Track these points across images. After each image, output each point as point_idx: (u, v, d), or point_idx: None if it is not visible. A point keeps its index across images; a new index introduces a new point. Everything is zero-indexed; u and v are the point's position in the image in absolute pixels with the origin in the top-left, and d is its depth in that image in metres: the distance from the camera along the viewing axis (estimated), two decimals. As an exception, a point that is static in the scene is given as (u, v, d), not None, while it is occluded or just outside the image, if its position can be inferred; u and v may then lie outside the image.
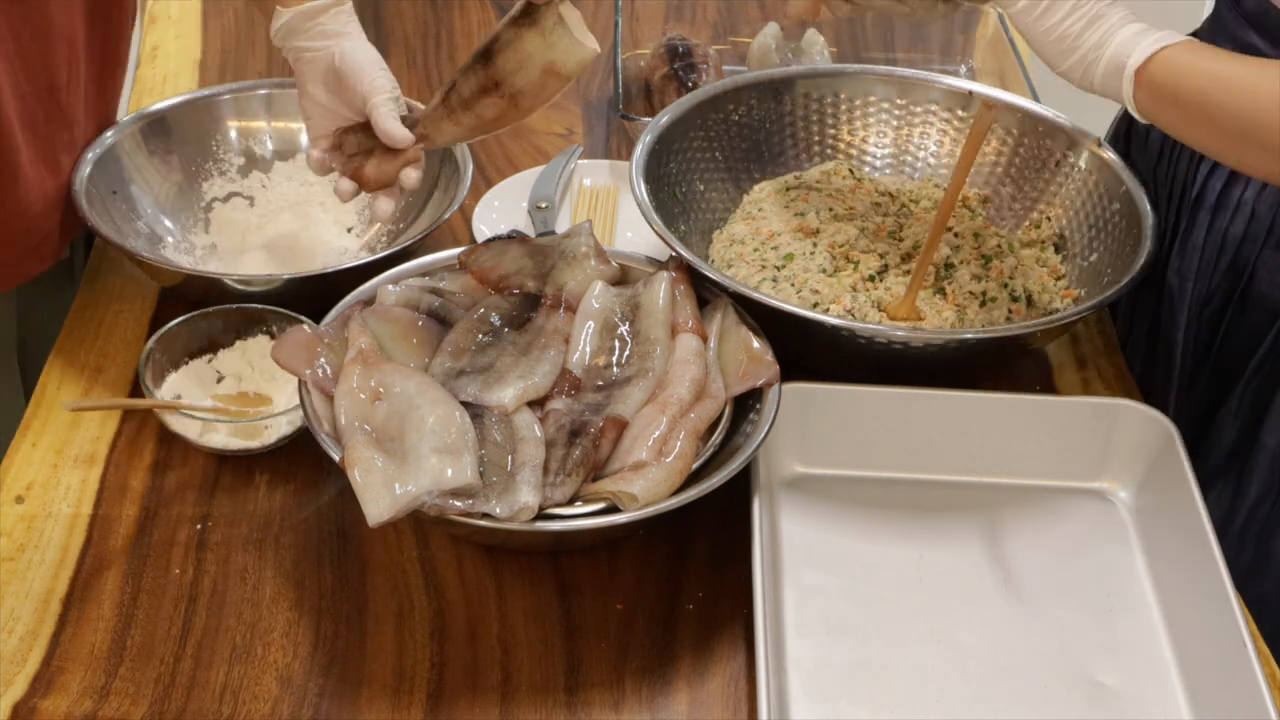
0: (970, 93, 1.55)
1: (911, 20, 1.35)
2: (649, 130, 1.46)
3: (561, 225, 1.56)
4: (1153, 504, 1.26)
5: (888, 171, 1.58)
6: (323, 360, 1.19)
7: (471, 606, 1.17)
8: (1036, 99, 1.65)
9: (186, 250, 1.47)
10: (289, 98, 1.54)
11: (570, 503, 1.11)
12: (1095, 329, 1.49)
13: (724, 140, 1.53)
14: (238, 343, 1.34)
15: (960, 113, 1.56)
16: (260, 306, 1.33)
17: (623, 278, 1.32)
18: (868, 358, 1.29)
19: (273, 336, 1.33)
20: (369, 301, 1.27)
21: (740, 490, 1.19)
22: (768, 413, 1.19)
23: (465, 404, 1.16)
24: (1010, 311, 1.38)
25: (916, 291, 1.35)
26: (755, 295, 1.27)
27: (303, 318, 1.29)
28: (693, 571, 1.21)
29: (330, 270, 1.35)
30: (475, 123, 1.28)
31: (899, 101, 1.57)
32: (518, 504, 1.08)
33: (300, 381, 1.18)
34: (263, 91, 1.56)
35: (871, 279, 1.39)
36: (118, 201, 1.45)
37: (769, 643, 1.08)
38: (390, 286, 1.27)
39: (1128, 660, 1.15)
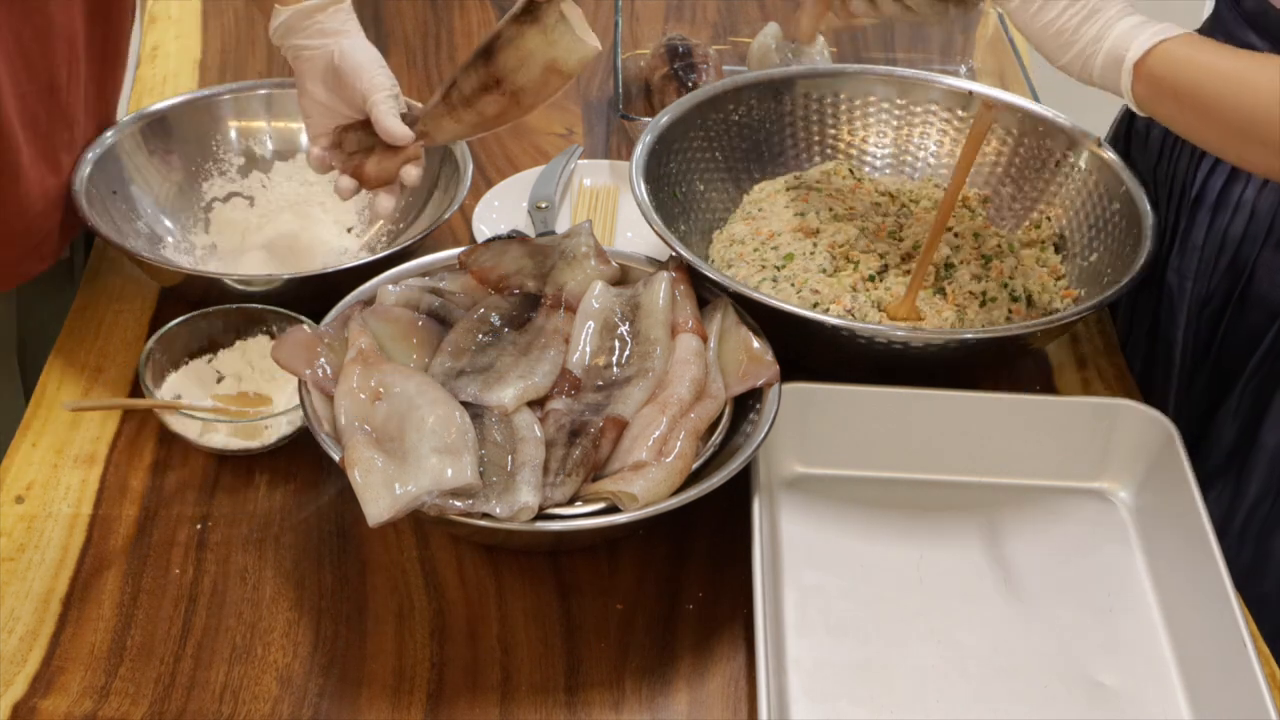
0: (970, 93, 1.55)
1: (919, 23, 1.35)
2: (649, 130, 1.46)
3: (561, 225, 1.56)
4: (1153, 504, 1.26)
5: (888, 171, 1.58)
6: (323, 360, 1.19)
7: (471, 606, 1.17)
8: (1036, 99, 1.65)
9: (186, 250, 1.47)
10: (289, 98, 1.54)
11: (570, 503, 1.11)
12: (1095, 329, 1.49)
13: (724, 140, 1.53)
14: (238, 343, 1.34)
15: (960, 113, 1.56)
16: (260, 306, 1.33)
17: (623, 278, 1.32)
18: (868, 358, 1.29)
19: (273, 336, 1.33)
20: (369, 301, 1.27)
21: (740, 490, 1.19)
22: (768, 413, 1.19)
23: (465, 404, 1.16)
24: (1010, 311, 1.38)
25: (916, 291, 1.35)
26: (755, 295, 1.27)
27: (303, 318, 1.29)
28: (693, 571, 1.21)
29: (330, 270, 1.35)
30: (476, 120, 1.28)
31: (899, 101, 1.57)
32: (518, 504, 1.08)
33: (300, 381, 1.18)
34: (263, 91, 1.56)
35: (871, 279, 1.39)
36: (118, 201, 1.45)
37: (769, 643, 1.08)
38: (390, 286, 1.27)
39: (1128, 660, 1.15)
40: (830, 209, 1.46)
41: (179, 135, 1.52)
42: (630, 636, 1.15)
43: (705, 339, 1.25)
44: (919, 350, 1.28)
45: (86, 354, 1.37)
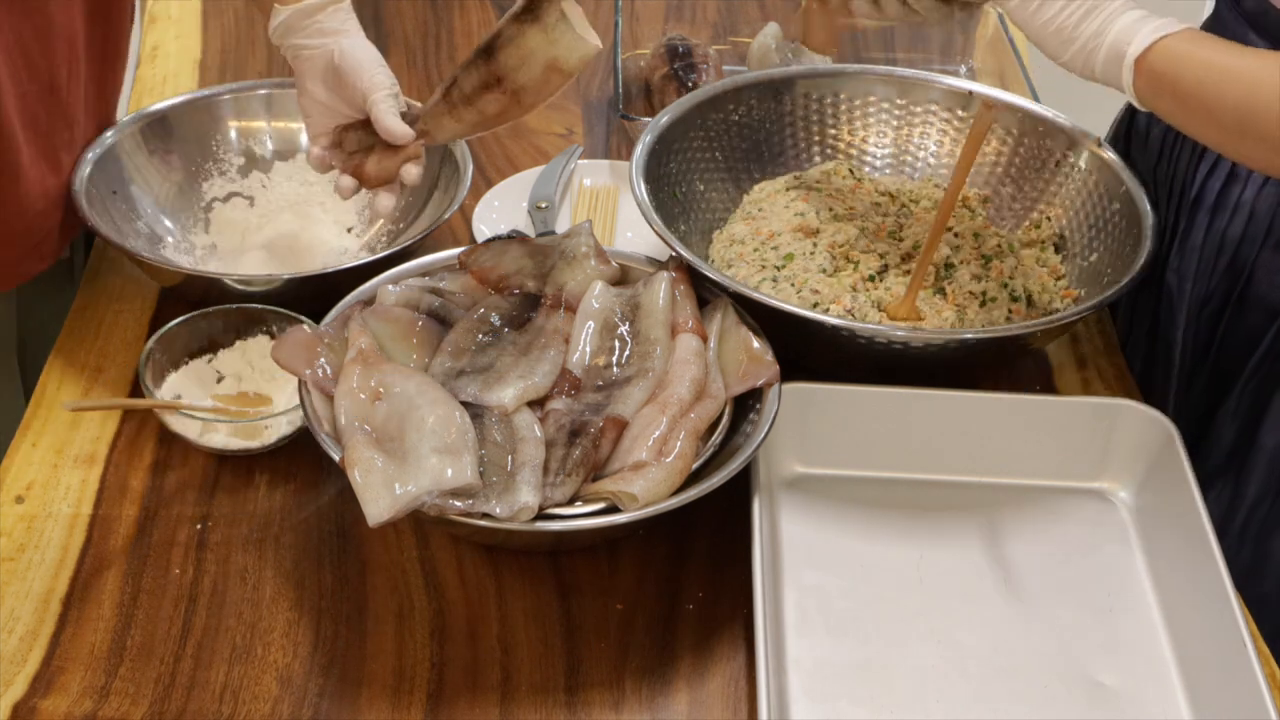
0: (970, 93, 1.55)
1: (921, 24, 1.35)
2: (649, 130, 1.46)
3: (561, 225, 1.56)
4: (1153, 504, 1.26)
5: (888, 171, 1.58)
6: (323, 360, 1.19)
7: (471, 606, 1.17)
8: (1036, 99, 1.65)
9: (186, 250, 1.47)
10: (289, 98, 1.54)
11: (570, 503, 1.11)
12: (1095, 329, 1.49)
13: (724, 140, 1.53)
14: (238, 343, 1.34)
15: (960, 113, 1.56)
16: (260, 306, 1.33)
17: (623, 278, 1.32)
18: (868, 358, 1.29)
19: (273, 336, 1.33)
20: (369, 301, 1.27)
21: (740, 490, 1.19)
22: (768, 413, 1.19)
23: (465, 404, 1.16)
24: (1010, 311, 1.38)
25: (916, 291, 1.35)
26: (755, 295, 1.27)
27: (303, 318, 1.29)
28: (693, 571, 1.21)
29: (330, 270, 1.35)
30: (477, 118, 1.28)
31: (899, 101, 1.57)
32: (518, 504, 1.08)
33: (300, 381, 1.18)
34: (263, 91, 1.56)
35: (871, 279, 1.39)
36: (118, 201, 1.45)
37: (769, 643, 1.08)
38: (390, 286, 1.27)
39: (1128, 660, 1.15)
40: (830, 209, 1.46)
41: (179, 135, 1.52)
42: (630, 636, 1.15)
43: (705, 339, 1.25)
44: (919, 350, 1.28)
45: (86, 354, 1.37)
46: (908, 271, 1.40)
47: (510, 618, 1.16)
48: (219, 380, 1.33)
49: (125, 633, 1.13)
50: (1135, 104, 1.22)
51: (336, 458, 1.11)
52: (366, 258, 1.37)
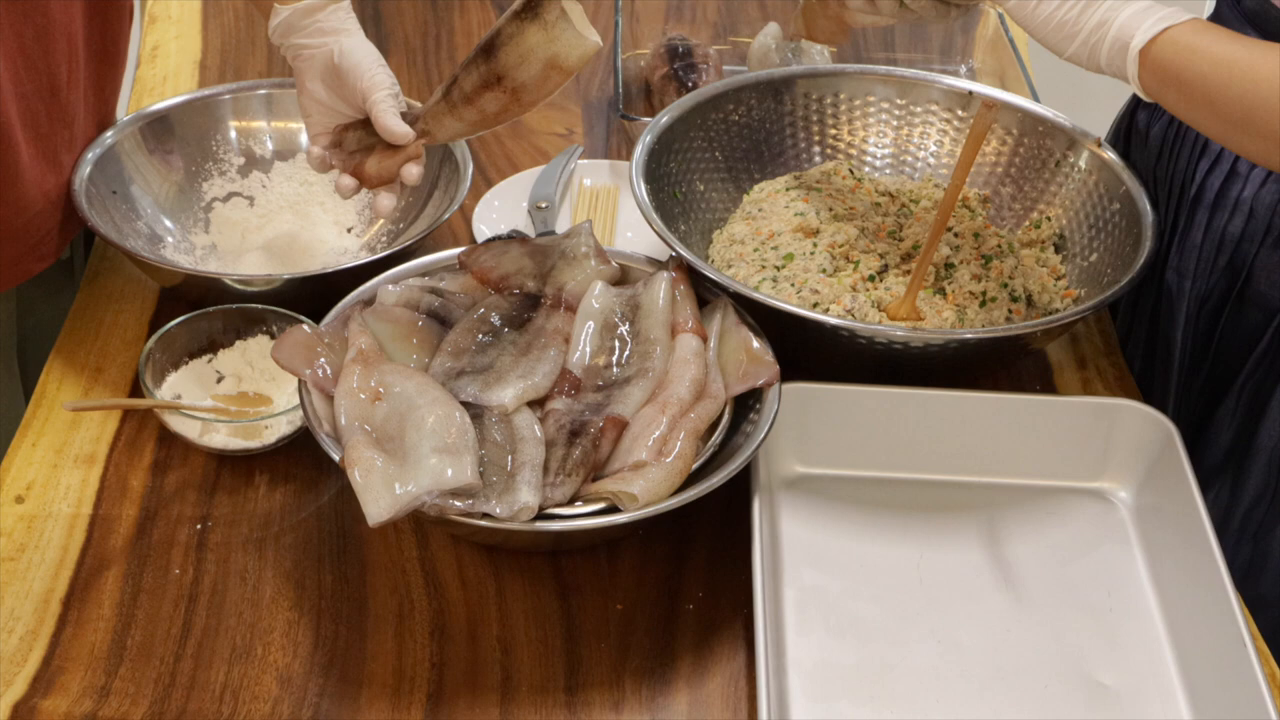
0: (970, 93, 1.55)
1: (919, 23, 1.35)
2: (649, 130, 1.46)
3: (561, 225, 1.56)
4: (1153, 504, 1.26)
5: (888, 171, 1.58)
6: (323, 360, 1.19)
7: (471, 606, 1.17)
8: (1036, 99, 1.65)
9: (186, 250, 1.47)
10: (289, 98, 1.54)
11: (570, 503, 1.11)
12: (1095, 329, 1.49)
13: (724, 140, 1.53)
14: (238, 343, 1.34)
15: (960, 113, 1.56)
16: (260, 306, 1.33)
17: (623, 278, 1.32)
18: (868, 358, 1.29)
19: (273, 336, 1.33)
20: (369, 301, 1.27)
21: (740, 490, 1.19)
22: (768, 413, 1.19)
23: (465, 404, 1.16)
24: (1010, 311, 1.39)
25: (916, 291, 1.35)
26: (755, 295, 1.27)
27: (303, 318, 1.29)
28: (693, 571, 1.21)
29: (330, 270, 1.35)
30: (477, 117, 1.28)
31: (899, 101, 1.57)
32: (518, 504, 1.08)
33: (300, 381, 1.18)
34: (263, 91, 1.56)
35: (871, 279, 1.39)
36: (118, 201, 1.45)
37: (769, 643, 1.08)
38: (390, 286, 1.27)
39: (1128, 660, 1.15)
40: (830, 209, 1.46)
41: (179, 135, 1.52)
42: (630, 636, 1.15)
43: (705, 339, 1.25)
44: (919, 350, 1.28)
45: (86, 354, 1.37)
46: (908, 271, 1.40)
47: (510, 618, 1.16)
48: (219, 380, 1.33)
49: (125, 633, 1.13)
50: (1141, 96, 1.22)
51: (336, 458, 1.11)
52: (366, 258, 1.37)
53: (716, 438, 1.19)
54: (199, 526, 1.22)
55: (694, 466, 1.15)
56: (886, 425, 1.27)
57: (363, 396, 1.15)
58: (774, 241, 1.42)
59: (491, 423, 1.15)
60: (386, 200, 1.35)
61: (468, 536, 1.20)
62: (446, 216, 1.42)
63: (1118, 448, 1.28)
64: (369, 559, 1.20)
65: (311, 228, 1.50)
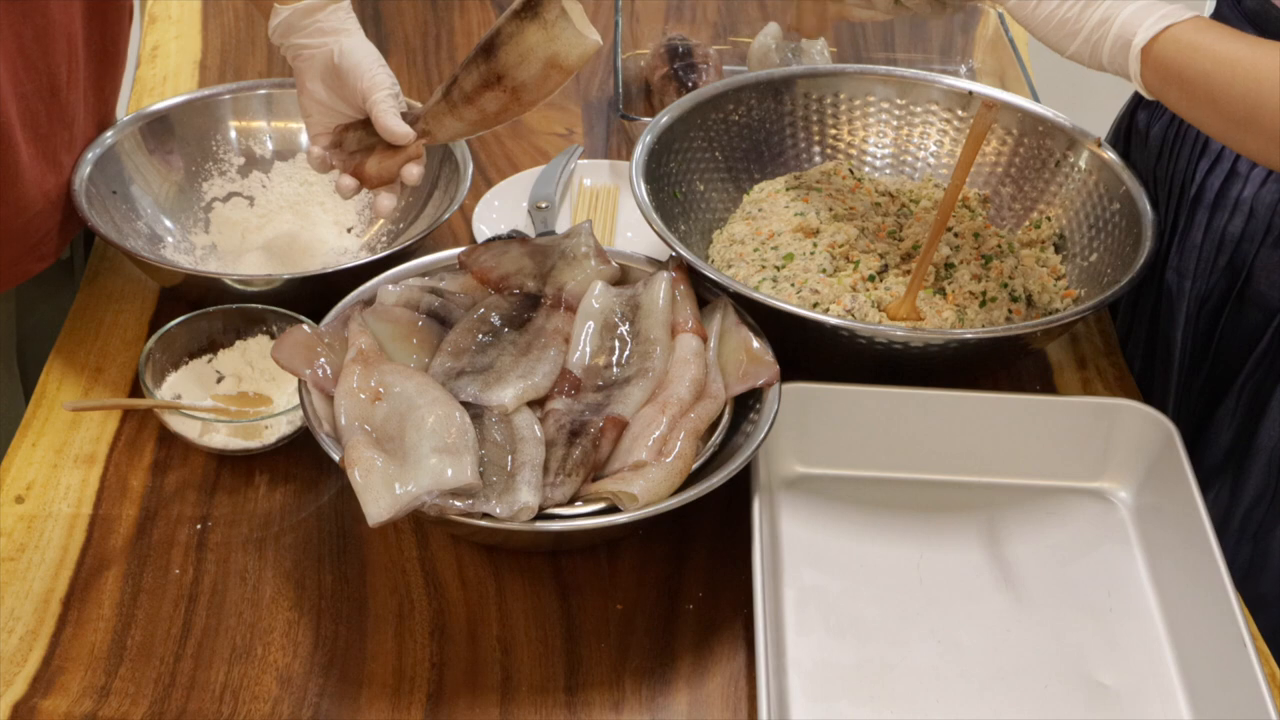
0: (970, 93, 1.55)
1: (915, 18, 1.35)
2: (649, 130, 1.46)
3: (561, 225, 1.56)
4: (1153, 504, 1.26)
5: (888, 171, 1.58)
6: (323, 360, 1.19)
7: (471, 606, 1.17)
8: (1036, 99, 1.65)
9: (186, 250, 1.47)
10: (289, 98, 1.54)
11: (570, 503, 1.11)
12: (1095, 329, 1.49)
13: (724, 140, 1.53)
14: (238, 343, 1.34)
15: (960, 113, 1.56)
16: (260, 306, 1.33)
17: (623, 278, 1.32)
18: (868, 358, 1.29)
19: (273, 336, 1.33)
20: (369, 301, 1.27)
21: (740, 490, 1.19)
22: (768, 413, 1.19)
23: (465, 404, 1.16)
24: (1010, 311, 1.39)
25: (916, 291, 1.35)
26: (755, 295, 1.27)
27: (303, 318, 1.29)
28: (693, 571, 1.21)
29: (330, 270, 1.35)
30: (477, 117, 1.28)
31: (899, 101, 1.57)
32: (518, 504, 1.08)
33: (300, 381, 1.18)
34: (263, 91, 1.56)
35: (871, 279, 1.39)
36: (118, 201, 1.45)
37: (769, 643, 1.08)
38: (390, 286, 1.27)
39: (1128, 660, 1.15)
40: (830, 209, 1.46)
41: (179, 135, 1.52)
42: (630, 636, 1.15)
43: (705, 339, 1.25)
44: (919, 350, 1.28)
45: (86, 354, 1.37)
46: (908, 271, 1.40)
47: (510, 618, 1.16)
48: (219, 380, 1.33)
49: (125, 633, 1.13)
50: (1144, 93, 1.22)
51: (336, 458, 1.11)
52: (366, 258, 1.37)
53: (716, 438, 1.19)
54: (199, 526, 1.22)
55: (694, 466, 1.15)
56: (886, 425, 1.27)
57: (363, 396, 1.15)
58: (774, 241, 1.42)
59: (491, 423, 1.15)
60: (387, 200, 1.35)
61: (468, 536, 1.20)
62: (446, 216, 1.42)
63: (1118, 448, 1.28)
64: (369, 559, 1.20)
65: (311, 228, 1.50)
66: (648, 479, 1.11)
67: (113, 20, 1.42)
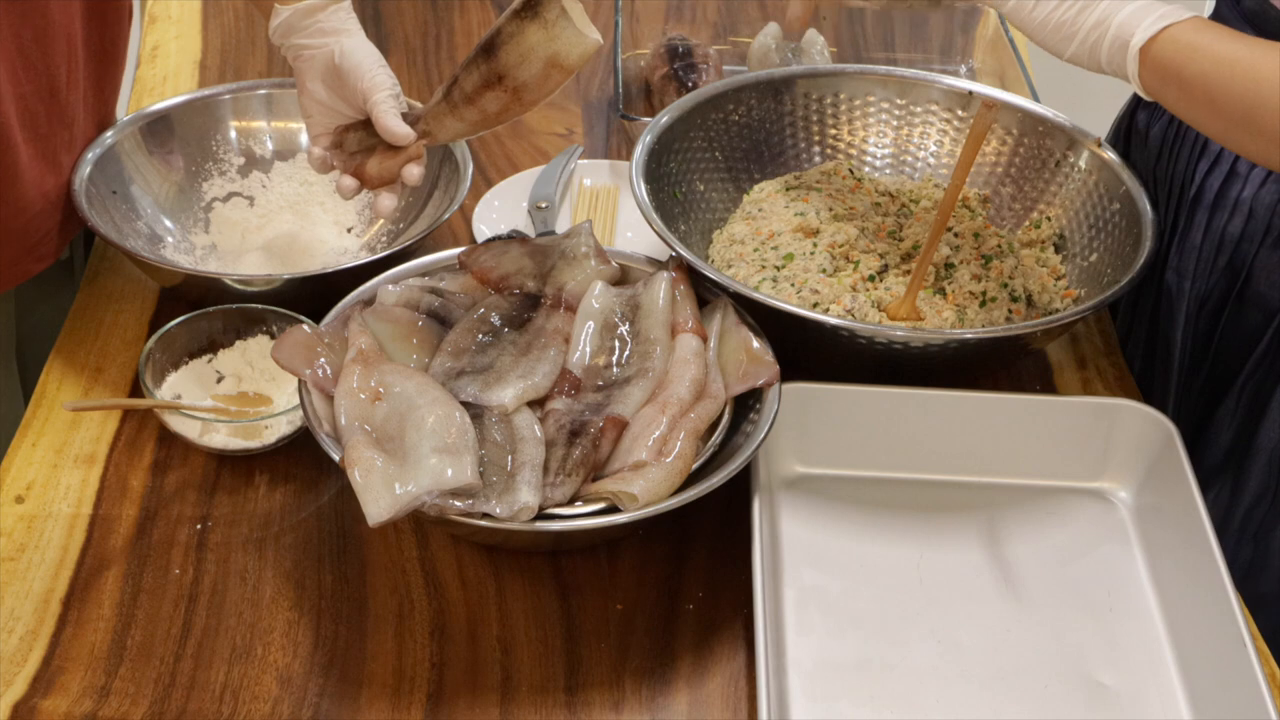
0: (970, 93, 1.55)
1: (910, 11, 1.35)
2: (649, 130, 1.46)
3: (561, 225, 1.56)
4: (1153, 504, 1.26)
5: (888, 171, 1.58)
6: (323, 360, 1.19)
7: (471, 606, 1.17)
8: (1036, 99, 1.65)
9: (186, 250, 1.47)
10: (289, 98, 1.54)
11: (570, 503, 1.11)
12: (1095, 329, 1.49)
13: (724, 140, 1.53)
14: (238, 343, 1.34)
15: (960, 113, 1.56)
16: (260, 306, 1.33)
17: (623, 278, 1.32)
18: (868, 358, 1.29)
19: (273, 336, 1.33)
20: (369, 301, 1.27)
21: (740, 490, 1.19)
22: (768, 413, 1.19)
23: (465, 404, 1.16)
24: (1010, 311, 1.39)
25: (916, 291, 1.35)
26: (755, 295, 1.27)
27: (303, 318, 1.29)
28: (693, 571, 1.21)
29: (330, 270, 1.35)
30: (478, 117, 1.28)
31: (899, 101, 1.57)
32: (518, 504, 1.08)
33: (300, 381, 1.18)
34: (263, 91, 1.56)
35: (871, 279, 1.39)
36: (118, 201, 1.45)
37: (769, 643, 1.08)
38: (390, 286, 1.27)
39: (1128, 660, 1.15)
40: (830, 209, 1.46)
41: (179, 135, 1.52)
42: (630, 636, 1.15)
43: (705, 339, 1.25)
44: (919, 350, 1.28)
45: (86, 354, 1.37)
46: (908, 271, 1.40)
47: (510, 618, 1.16)
48: (219, 380, 1.33)
49: (125, 633, 1.13)
50: (1142, 95, 1.22)
51: (336, 458, 1.11)
52: (366, 258, 1.37)
53: (716, 438, 1.19)
54: (199, 526, 1.22)
55: (694, 466, 1.15)
56: (886, 425, 1.27)
57: (363, 396, 1.15)
58: (774, 241, 1.42)
59: (491, 423, 1.15)
60: (387, 201, 1.35)
61: (468, 536, 1.20)
62: (446, 216, 1.42)
63: (1118, 448, 1.28)
64: (369, 559, 1.20)
65: (311, 228, 1.50)
66: (648, 479, 1.11)
67: (112, 20, 1.42)
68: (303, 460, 1.28)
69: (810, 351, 1.31)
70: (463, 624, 1.16)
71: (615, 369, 1.23)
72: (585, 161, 1.66)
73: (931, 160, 1.57)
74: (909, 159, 1.58)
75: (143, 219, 1.46)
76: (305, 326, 1.24)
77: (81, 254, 1.53)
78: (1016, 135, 1.53)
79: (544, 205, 1.57)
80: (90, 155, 1.43)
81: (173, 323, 1.31)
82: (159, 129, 1.51)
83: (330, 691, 1.10)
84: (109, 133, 1.46)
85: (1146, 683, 1.14)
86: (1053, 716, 1.11)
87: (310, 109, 1.35)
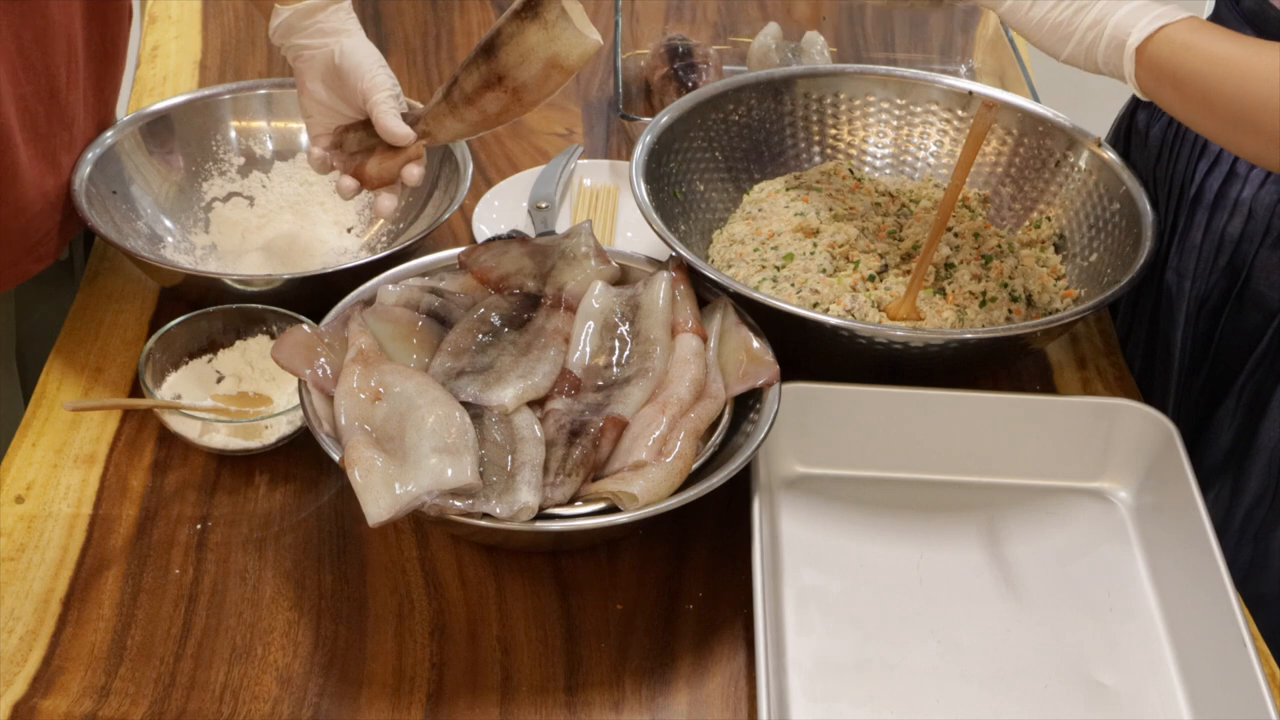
0: (970, 93, 1.55)
1: (913, 11, 1.35)
2: (649, 130, 1.46)
3: (561, 225, 1.56)
4: (1153, 504, 1.26)
5: (888, 171, 1.58)
6: (323, 360, 1.19)
7: (471, 606, 1.17)
8: (1036, 99, 1.65)
9: (186, 250, 1.47)
10: (289, 98, 1.54)
11: (570, 503, 1.11)
12: (1095, 329, 1.49)
13: (724, 140, 1.53)
14: (238, 343, 1.34)
15: (960, 113, 1.56)
16: (260, 306, 1.33)
17: (623, 278, 1.32)
18: (868, 358, 1.29)
19: (273, 336, 1.33)
20: (369, 301, 1.27)
21: (740, 490, 1.19)
22: (768, 413, 1.19)
23: (465, 404, 1.16)
24: (1010, 311, 1.39)
25: (916, 291, 1.35)
26: (755, 295, 1.27)
27: (303, 318, 1.29)
28: (693, 571, 1.21)
29: (330, 270, 1.35)
30: (478, 118, 1.28)
31: (899, 101, 1.57)
32: (518, 504, 1.08)
33: (300, 381, 1.18)
34: (263, 91, 1.56)
35: (871, 279, 1.39)
36: (118, 201, 1.45)
37: (769, 643, 1.08)
38: (390, 286, 1.27)
39: (1128, 660, 1.15)
40: (830, 209, 1.46)
41: (179, 135, 1.52)
42: (630, 636, 1.15)
43: (705, 339, 1.25)
44: (919, 350, 1.28)
45: (86, 354, 1.37)
46: (908, 271, 1.40)
47: (510, 618, 1.16)
48: (219, 380, 1.33)
49: (125, 633, 1.13)
50: (1138, 94, 1.22)
51: (336, 458, 1.11)
52: (366, 258, 1.37)
53: (716, 438, 1.19)
54: (199, 526, 1.22)
55: (694, 466, 1.15)
56: (886, 425, 1.27)
57: (363, 396, 1.15)
58: (774, 241, 1.43)
59: (491, 423, 1.15)
60: (387, 201, 1.35)
61: (468, 536, 1.20)
62: (446, 216, 1.42)
63: (1118, 448, 1.28)
64: (369, 559, 1.20)
65: (311, 228, 1.50)
66: (648, 479, 1.11)
67: (113, 20, 1.42)
68: (303, 460, 1.28)
69: (810, 351, 1.31)
70: (463, 624, 1.16)
71: (615, 369, 1.23)
72: (585, 161, 1.66)
73: (931, 160, 1.57)
74: (909, 159, 1.58)
75: (143, 219, 1.46)
76: (305, 326, 1.24)
77: (81, 254, 1.53)
78: (1016, 135, 1.53)
79: (544, 205, 1.57)
80: (90, 155, 1.43)
81: (173, 323, 1.31)
82: (159, 129, 1.51)
83: (330, 691, 1.10)
84: (109, 133, 1.46)
85: (1146, 683, 1.14)
86: (1053, 716, 1.11)
87: (310, 109, 1.35)
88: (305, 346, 1.20)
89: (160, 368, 1.30)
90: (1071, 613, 1.19)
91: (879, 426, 1.27)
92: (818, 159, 1.57)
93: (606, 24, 1.86)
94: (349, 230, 1.52)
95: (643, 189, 1.39)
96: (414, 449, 1.10)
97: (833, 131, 1.58)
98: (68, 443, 1.28)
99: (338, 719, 1.08)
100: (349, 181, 1.33)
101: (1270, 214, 1.34)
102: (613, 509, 1.11)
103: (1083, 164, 1.48)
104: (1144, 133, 1.47)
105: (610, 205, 1.61)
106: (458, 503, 1.08)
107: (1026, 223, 1.51)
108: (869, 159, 1.58)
